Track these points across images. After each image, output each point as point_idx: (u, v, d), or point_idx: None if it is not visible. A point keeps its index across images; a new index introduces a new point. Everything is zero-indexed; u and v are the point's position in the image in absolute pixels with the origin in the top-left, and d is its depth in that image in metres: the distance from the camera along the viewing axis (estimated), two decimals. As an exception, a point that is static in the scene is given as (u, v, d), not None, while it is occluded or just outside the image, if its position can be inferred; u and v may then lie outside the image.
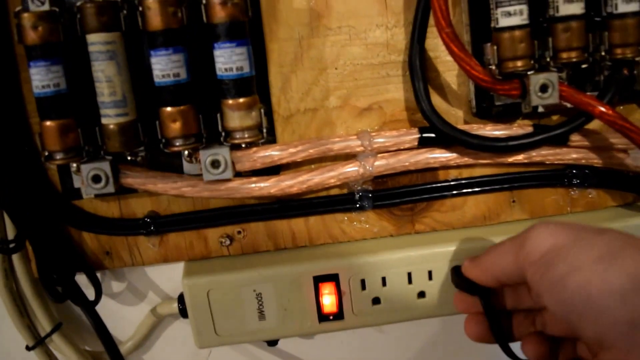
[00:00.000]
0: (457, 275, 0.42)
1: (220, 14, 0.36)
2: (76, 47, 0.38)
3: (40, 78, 0.37)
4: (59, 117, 0.37)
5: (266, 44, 0.40)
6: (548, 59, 0.40)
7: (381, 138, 0.41)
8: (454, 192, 0.43)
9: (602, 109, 0.38)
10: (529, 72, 0.39)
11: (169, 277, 0.46)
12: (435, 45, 0.41)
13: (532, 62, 0.39)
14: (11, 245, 0.42)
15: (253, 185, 0.40)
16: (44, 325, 0.44)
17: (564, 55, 0.40)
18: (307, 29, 0.40)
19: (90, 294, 0.43)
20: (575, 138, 0.42)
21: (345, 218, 0.43)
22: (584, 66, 0.41)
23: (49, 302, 0.45)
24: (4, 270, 0.43)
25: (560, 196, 0.44)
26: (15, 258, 0.43)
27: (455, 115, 0.42)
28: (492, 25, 0.39)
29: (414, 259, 0.42)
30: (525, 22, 0.39)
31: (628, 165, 0.43)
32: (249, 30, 0.38)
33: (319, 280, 0.42)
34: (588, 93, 0.39)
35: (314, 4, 0.40)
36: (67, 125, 0.38)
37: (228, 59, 0.37)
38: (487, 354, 0.48)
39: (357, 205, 0.42)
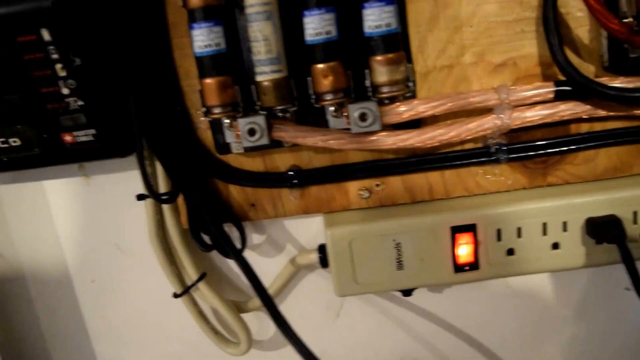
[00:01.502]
0: (592, 226, 0.43)
1: (370, -27, 0.39)
2: (230, 10, 0.41)
3: (203, 39, 0.40)
4: (219, 74, 0.40)
5: (404, 3, 0.42)
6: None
7: (518, 92, 0.42)
8: (587, 144, 0.44)
9: None
10: (667, 23, 0.39)
11: (306, 229, 0.48)
12: (566, 1, 0.42)
13: (671, 12, 0.40)
14: (164, 197, 0.45)
15: (398, 137, 0.42)
16: (190, 274, 0.48)
17: (703, 5, 0.40)
18: (444, -12, 0.42)
19: (236, 244, 0.46)
20: None
21: (480, 171, 0.45)
22: None
23: (195, 252, 0.48)
24: (156, 221, 0.46)
25: (694, 148, 0.45)
26: (166, 209, 0.46)
27: (587, 70, 0.43)
28: (632, -23, 0.40)
29: (549, 210, 0.43)
30: (666, -28, 0.39)
31: None
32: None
33: (456, 230, 0.43)
34: None
35: (451, -37, 0.42)
36: (226, 82, 0.40)
37: (378, 17, 0.39)
38: (616, 308, 0.49)
39: (492, 159, 0.44)
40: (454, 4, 0.42)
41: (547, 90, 0.42)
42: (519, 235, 0.43)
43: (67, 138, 0.43)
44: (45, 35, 0.40)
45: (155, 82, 0.43)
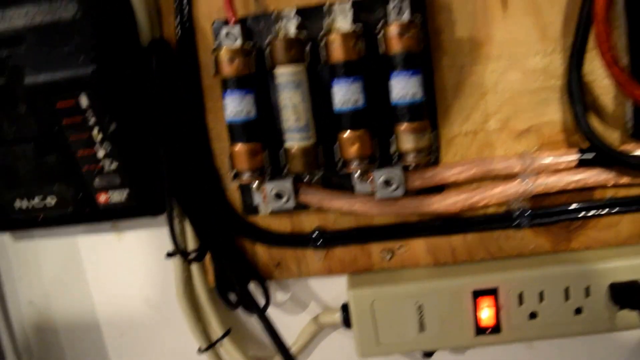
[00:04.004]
0: (615, 292, 0.43)
1: (397, 46, 0.40)
2: (262, 78, 0.43)
3: (234, 106, 0.41)
4: (249, 141, 0.42)
5: (432, 72, 0.43)
6: None
7: (541, 159, 0.42)
8: (610, 210, 0.44)
9: None
10: (690, 94, 0.40)
11: (330, 289, 0.49)
12: (591, 69, 0.42)
13: (693, 84, 0.40)
14: (192, 256, 0.46)
15: (422, 202, 0.43)
16: (216, 329, 0.48)
17: None
18: (469, 58, 0.43)
19: (260, 302, 0.47)
20: None
21: (503, 235, 0.45)
22: None
23: (220, 309, 0.49)
24: (184, 278, 0.47)
25: None
26: (194, 268, 0.47)
27: (611, 137, 0.43)
28: (656, 48, 0.40)
29: (572, 275, 0.43)
30: (689, 45, 0.40)
31: None
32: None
33: (478, 294, 0.44)
34: None
35: (476, 33, 0.43)
36: (255, 148, 0.42)
37: (404, 87, 0.40)
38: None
39: (515, 223, 0.44)
40: (478, 72, 0.43)
41: (571, 157, 0.43)
42: (541, 299, 0.44)
43: (101, 198, 0.45)
44: (84, 101, 0.42)
45: (188, 143, 0.45)
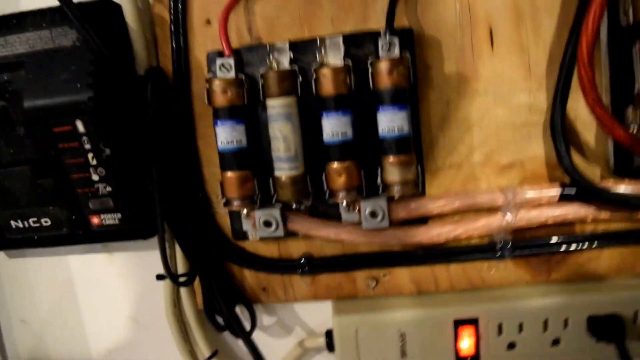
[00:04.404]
0: (593, 324, 0.44)
1: (386, 82, 0.41)
2: (253, 107, 0.44)
3: (226, 135, 0.42)
4: (239, 169, 0.43)
5: (418, 105, 0.44)
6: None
7: (524, 193, 0.44)
8: (590, 244, 0.45)
9: None
10: (669, 134, 0.41)
11: (315, 313, 0.50)
12: (575, 107, 0.44)
13: (673, 125, 0.42)
14: (182, 279, 0.47)
15: (406, 233, 0.44)
16: (203, 351, 0.49)
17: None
18: (455, 92, 0.44)
19: (246, 325, 0.48)
20: None
21: (485, 266, 0.46)
22: None
23: (208, 331, 0.50)
24: (173, 300, 0.49)
25: (695, 251, 0.46)
26: (183, 290, 0.48)
27: (592, 172, 0.44)
28: (638, 88, 0.42)
29: (551, 307, 0.44)
30: (671, 87, 0.41)
31: None
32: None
33: (459, 323, 0.45)
34: None
35: (463, 69, 0.44)
36: (246, 176, 0.43)
37: (391, 121, 0.41)
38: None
39: (497, 255, 0.45)
40: (464, 107, 0.44)
41: (553, 192, 0.44)
42: (520, 330, 0.45)
43: (95, 220, 0.46)
44: (80, 126, 0.43)
45: (179, 168, 0.46)
